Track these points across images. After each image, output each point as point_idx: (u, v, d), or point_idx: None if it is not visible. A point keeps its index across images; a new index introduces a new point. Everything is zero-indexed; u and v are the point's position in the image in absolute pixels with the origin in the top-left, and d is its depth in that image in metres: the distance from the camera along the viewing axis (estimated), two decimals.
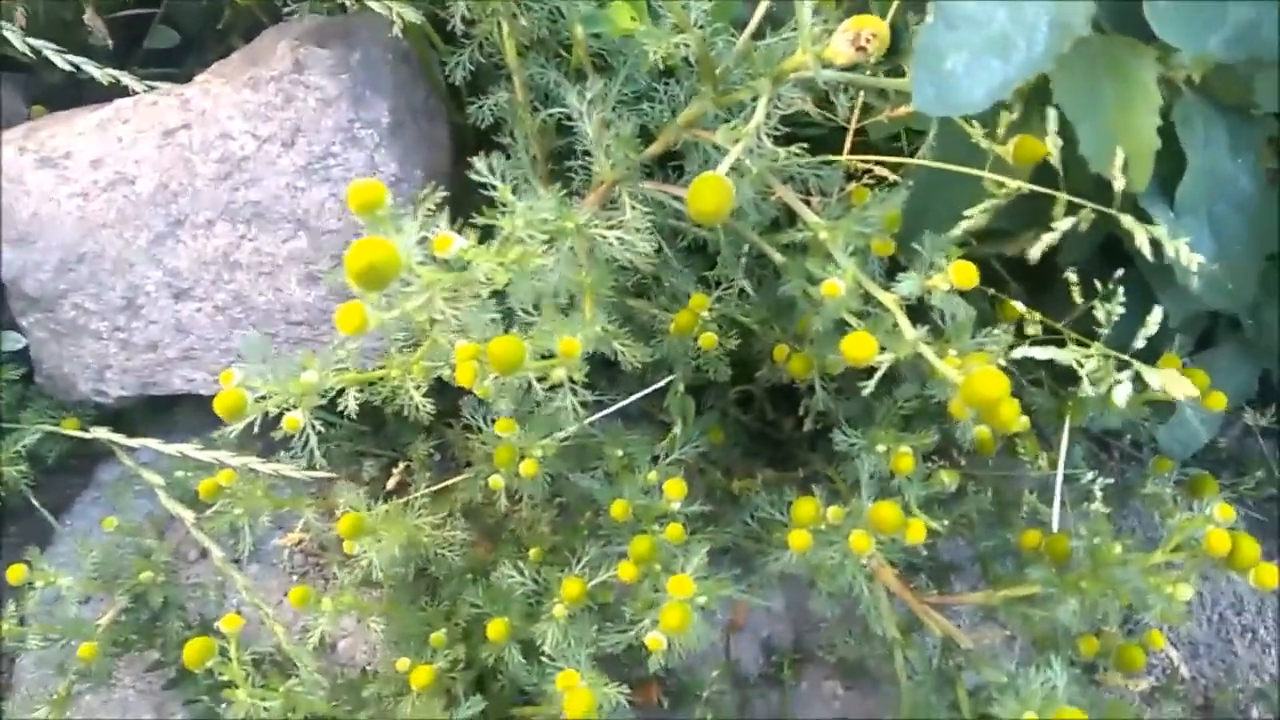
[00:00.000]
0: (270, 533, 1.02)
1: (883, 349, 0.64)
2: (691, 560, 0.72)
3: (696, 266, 0.92)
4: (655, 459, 0.87)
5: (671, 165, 0.92)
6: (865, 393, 0.65)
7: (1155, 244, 0.69)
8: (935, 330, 0.70)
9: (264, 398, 0.68)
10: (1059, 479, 0.83)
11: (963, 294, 0.69)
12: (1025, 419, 0.80)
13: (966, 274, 0.64)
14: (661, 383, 0.93)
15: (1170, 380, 0.65)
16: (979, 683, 0.81)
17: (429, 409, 0.77)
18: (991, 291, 0.83)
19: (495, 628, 0.78)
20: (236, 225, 0.93)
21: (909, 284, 0.65)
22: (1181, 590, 0.72)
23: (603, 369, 0.92)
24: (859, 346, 0.62)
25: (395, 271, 0.53)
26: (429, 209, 0.58)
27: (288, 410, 0.68)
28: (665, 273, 0.93)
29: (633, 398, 0.92)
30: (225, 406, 0.65)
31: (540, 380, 0.67)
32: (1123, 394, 0.67)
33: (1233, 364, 0.90)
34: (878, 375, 0.66)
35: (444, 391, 0.94)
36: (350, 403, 0.75)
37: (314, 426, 0.70)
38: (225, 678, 0.80)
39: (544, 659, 0.76)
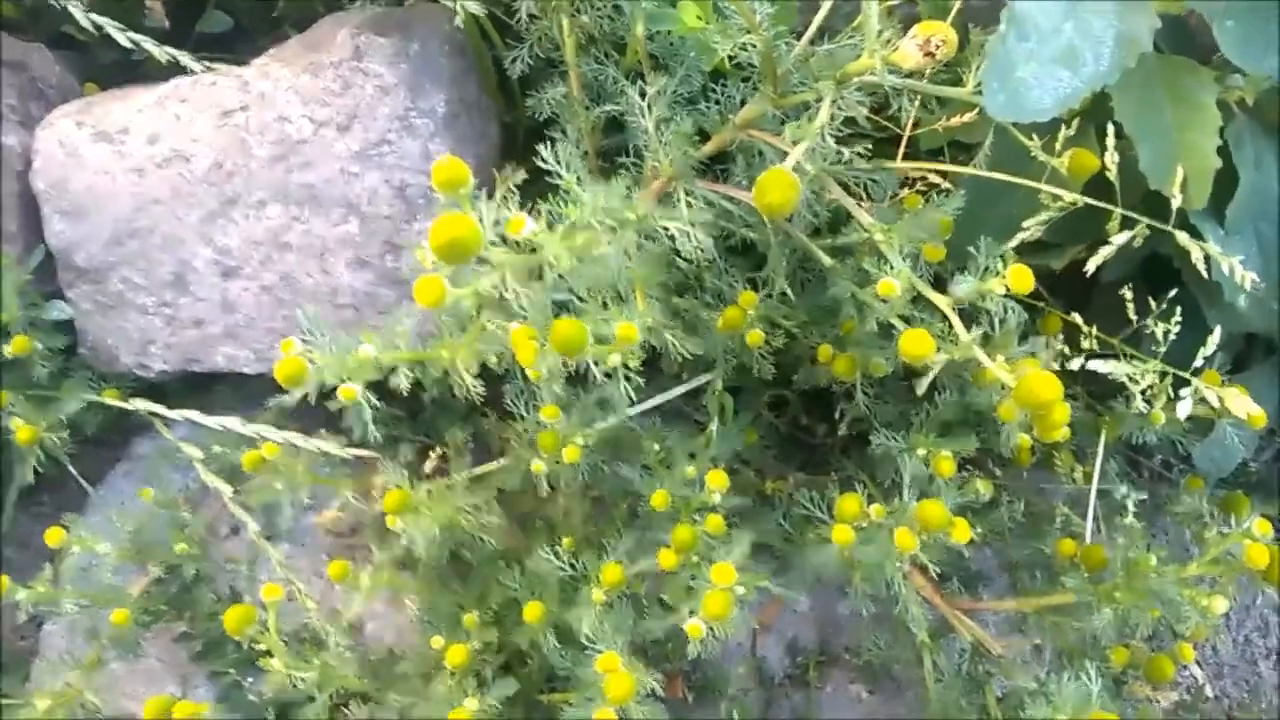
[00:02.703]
0: (302, 513, 1.02)
1: (936, 350, 0.65)
2: (734, 550, 0.72)
3: (741, 268, 0.93)
4: (692, 455, 0.88)
5: (718, 168, 0.94)
6: (920, 393, 0.66)
7: (1206, 261, 0.70)
8: (982, 337, 0.71)
9: (321, 370, 0.69)
10: (1094, 491, 0.84)
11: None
12: (1066, 429, 0.81)
13: (1023, 279, 0.65)
14: (699, 380, 0.94)
15: (1232, 398, 0.66)
16: (1007, 689, 0.82)
17: (479, 391, 0.78)
18: (1042, 304, 0.84)
19: (531, 610, 0.79)
20: (289, 207, 0.94)
21: (966, 287, 0.66)
22: (1217, 603, 0.73)
23: (641, 367, 0.93)
24: (917, 344, 0.63)
25: (476, 247, 0.54)
26: (506, 192, 0.59)
27: (343, 382, 0.69)
28: (709, 273, 0.94)
29: (672, 393, 0.93)
30: (285, 374, 0.66)
31: (596, 364, 0.68)
32: (1184, 409, 0.69)
33: (1268, 387, 0.91)
34: (930, 375, 0.67)
35: (484, 380, 0.95)
36: (402, 381, 0.76)
37: (368, 401, 0.71)
38: (256, 649, 0.81)
39: (580, 643, 0.76)
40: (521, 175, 0.58)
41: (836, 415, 0.96)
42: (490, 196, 0.59)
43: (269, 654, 0.78)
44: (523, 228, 0.59)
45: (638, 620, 0.78)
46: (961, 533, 0.71)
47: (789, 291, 0.90)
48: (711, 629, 0.72)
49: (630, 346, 0.68)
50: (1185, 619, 0.73)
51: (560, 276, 0.67)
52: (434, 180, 0.55)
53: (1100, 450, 0.87)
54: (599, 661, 0.70)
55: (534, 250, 0.62)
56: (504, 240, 0.61)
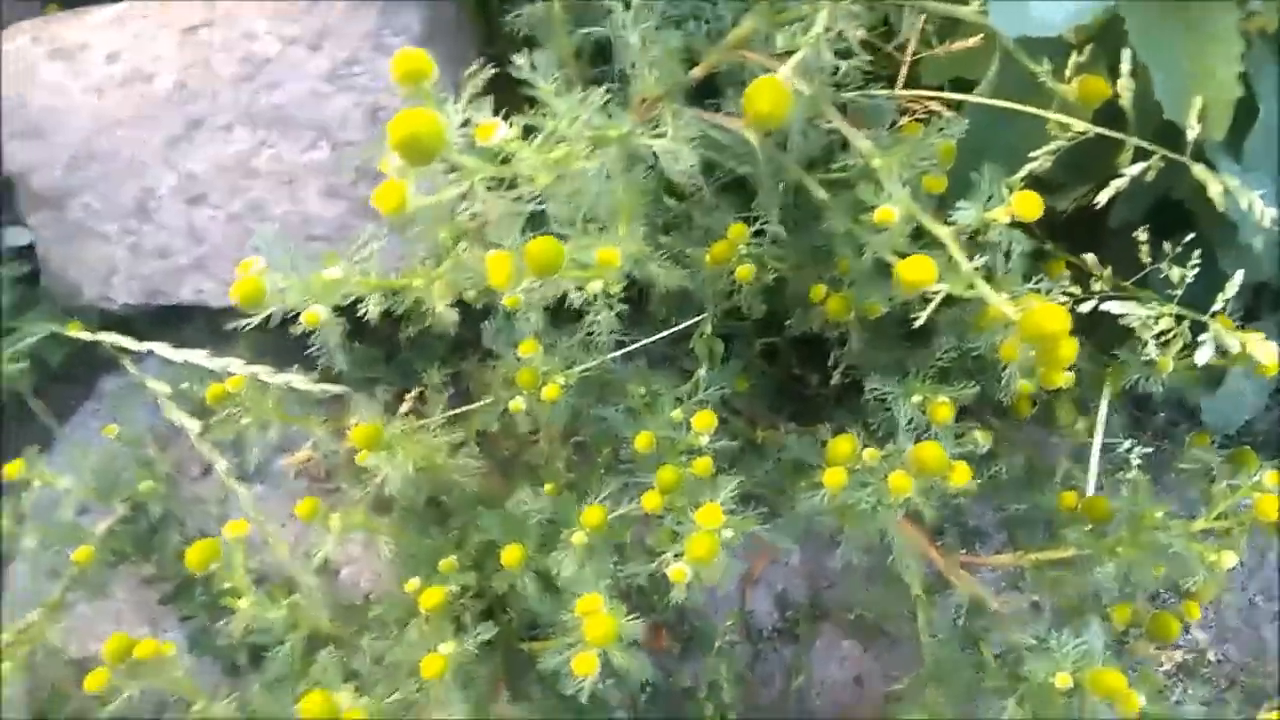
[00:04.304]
0: (276, 455, 0.99)
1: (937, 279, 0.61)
2: (721, 491, 0.69)
3: (732, 206, 0.89)
4: (679, 400, 0.84)
5: (709, 103, 0.89)
6: (918, 324, 0.62)
7: (1224, 196, 0.66)
8: (985, 273, 0.67)
9: (283, 292, 0.65)
10: (1097, 441, 0.81)
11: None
12: (1070, 375, 0.78)
13: (1030, 204, 0.61)
14: (688, 323, 0.89)
15: (1254, 343, 0.63)
16: (1004, 646, 0.79)
17: (454, 322, 0.74)
18: (1049, 246, 0.80)
19: (510, 553, 0.75)
20: (256, 130, 0.89)
21: (968, 214, 0.62)
22: (1226, 557, 0.69)
23: (626, 307, 0.89)
24: (917, 270, 0.58)
25: (438, 146, 0.50)
26: (473, 90, 0.54)
27: (307, 306, 0.65)
28: (698, 210, 0.89)
29: (659, 336, 0.88)
30: (243, 294, 0.62)
31: (578, 290, 0.64)
32: (1204, 355, 0.65)
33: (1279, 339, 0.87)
34: (930, 308, 0.63)
35: (464, 320, 0.91)
36: (372, 310, 0.72)
37: (337, 328, 0.67)
38: (225, 588, 0.77)
39: (560, 589, 0.73)
40: (490, 71, 0.54)
41: (830, 363, 0.92)
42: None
43: (235, 593, 0.74)
44: (494, 134, 0.55)
45: (620, 565, 0.74)
46: (961, 475, 0.67)
47: (781, 231, 0.86)
48: (697, 575, 0.68)
49: (612, 272, 0.64)
50: (1192, 574, 0.70)
51: (535, 198, 0.63)
52: (395, 73, 0.50)
53: (1104, 401, 0.83)
54: (580, 603, 0.66)
55: (506, 161, 0.58)
56: (474, 149, 0.57)
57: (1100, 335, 0.88)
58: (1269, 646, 0.91)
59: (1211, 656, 0.90)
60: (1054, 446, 0.91)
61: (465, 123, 0.54)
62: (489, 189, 0.56)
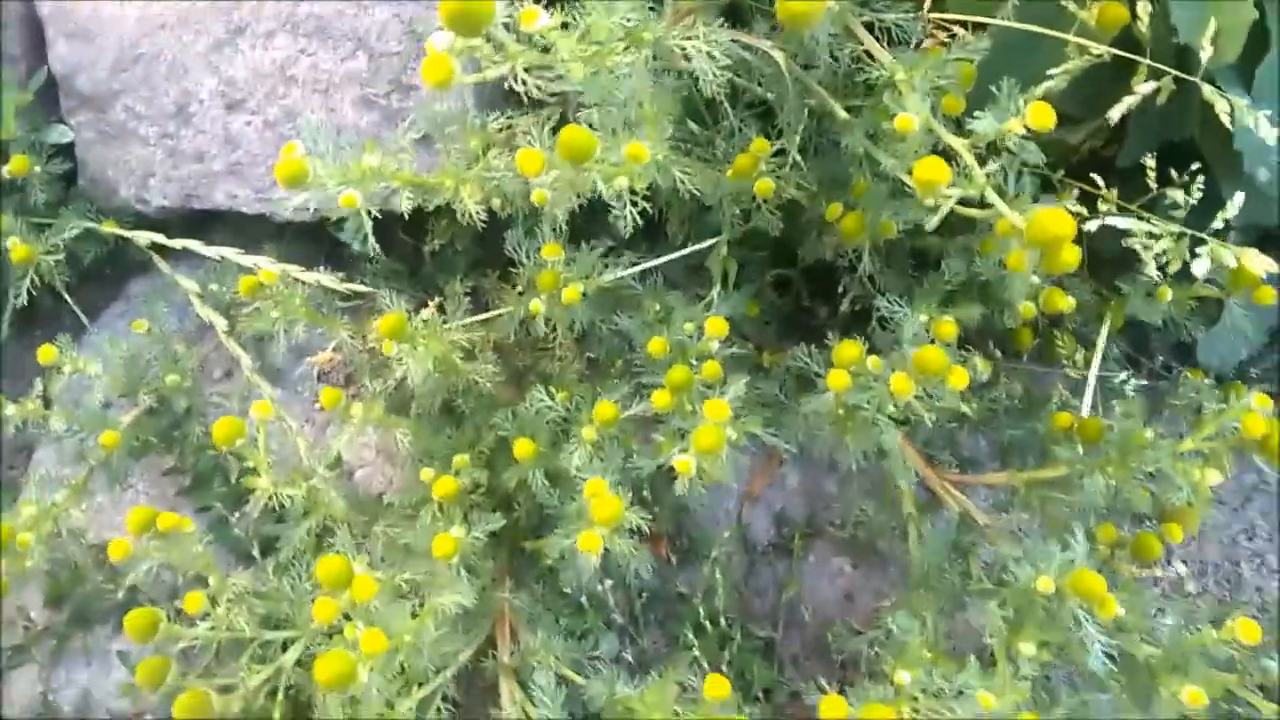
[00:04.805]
0: (296, 363, 1.02)
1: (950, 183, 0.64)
2: (730, 389, 0.72)
3: (754, 133, 0.91)
4: (691, 321, 0.87)
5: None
6: (930, 227, 0.65)
7: (1231, 118, 0.69)
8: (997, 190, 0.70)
9: (322, 177, 0.68)
10: (1094, 368, 0.84)
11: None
12: (1071, 300, 0.81)
13: (1043, 115, 0.63)
14: (705, 244, 0.92)
15: (1249, 257, 0.65)
16: (992, 559, 0.82)
17: (482, 220, 0.77)
18: (1060, 175, 0.83)
19: (522, 446, 0.78)
20: (297, 38, 0.92)
21: (985, 123, 0.65)
22: (1210, 475, 0.72)
23: (644, 234, 0.91)
24: (932, 169, 0.61)
25: (487, 18, 0.53)
26: None
27: (345, 189, 0.68)
28: (720, 137, 0.92)
29: (675, 254, 0.91)
30: (285, 174, 0.65)
31: (603, 184, 0.67)
32: (1202, 268, 0.67)
33: None
34: (940, 213, 0.66)
35: (485, 238, 0.93)
36: (404, 203, 0.75)
37: (369, 213, 0.70)
38: (244, 481, 0.80)
39: (570, 485, 0.76)
40: None
41: (840, 290, 0.95)
42: None
43: (255, 472, 0.78)
44: (536, 20, 0.58)
45: (627, 459, 0.77)
46: (959, 378, 0.70)
47: (800, 160, 0.88)
48: (700, 471, 0.71)
49: (639, 168, 0.67)
50: (1179, 490, 0.73)
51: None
52: None
53: (1104, 331, 0.85)
54: (587, 486, 0.69)
55: (546, 50, 0.61)
56: (517, 38, 0.59)
57: (1104, 275, 0.91)
58: (1246, 583, 0.94)
59: (1191, 589, 0.93)
60: (1052, 380, 0.95)
61: (510, 1, 0.57)
62: (529, 68, 0.59)
